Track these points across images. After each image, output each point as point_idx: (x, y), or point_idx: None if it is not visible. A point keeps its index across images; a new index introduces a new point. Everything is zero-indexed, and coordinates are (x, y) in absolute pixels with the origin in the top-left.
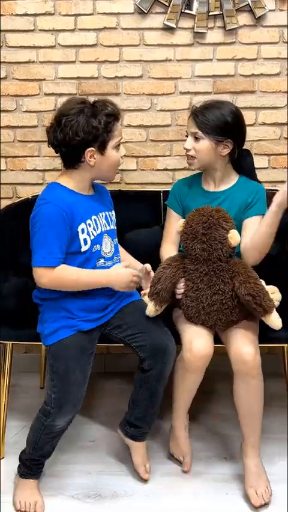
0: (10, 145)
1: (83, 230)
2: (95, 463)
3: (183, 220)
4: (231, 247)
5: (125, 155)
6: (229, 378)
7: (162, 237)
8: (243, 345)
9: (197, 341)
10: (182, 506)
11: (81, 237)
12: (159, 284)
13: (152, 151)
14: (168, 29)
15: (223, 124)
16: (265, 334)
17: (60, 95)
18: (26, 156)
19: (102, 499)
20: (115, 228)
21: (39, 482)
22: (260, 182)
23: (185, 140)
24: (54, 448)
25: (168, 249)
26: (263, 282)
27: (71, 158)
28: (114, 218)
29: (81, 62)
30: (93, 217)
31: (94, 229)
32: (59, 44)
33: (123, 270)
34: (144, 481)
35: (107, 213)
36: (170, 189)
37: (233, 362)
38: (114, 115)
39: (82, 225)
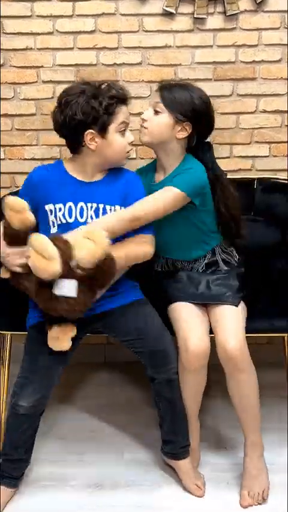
0: (8, 133)
1: (50, 211)
2: (95, 452)
3: None
4: None
5: (133, 143)
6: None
7: None
8: (228, 339)
9: (191, 339)
10: (182, 496)
11: (50, 218)
12: None
13: None
14: (167, 14)
15: (188, 105)
16: (265, 324)
17: (59, 82)
18: (24, 145)
19: (103, 489)
20: None
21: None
22: (225, 174)
23: None
24: (27, 446)
25: None
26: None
27: (72, 142)
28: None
29: (80, 48)
30: (69, 203)
31: (64, 215)
32: (56, 30)
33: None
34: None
35: (101, 205)
36: None
37: (220, 357)
38: (118, 98)
39: (50, 206)
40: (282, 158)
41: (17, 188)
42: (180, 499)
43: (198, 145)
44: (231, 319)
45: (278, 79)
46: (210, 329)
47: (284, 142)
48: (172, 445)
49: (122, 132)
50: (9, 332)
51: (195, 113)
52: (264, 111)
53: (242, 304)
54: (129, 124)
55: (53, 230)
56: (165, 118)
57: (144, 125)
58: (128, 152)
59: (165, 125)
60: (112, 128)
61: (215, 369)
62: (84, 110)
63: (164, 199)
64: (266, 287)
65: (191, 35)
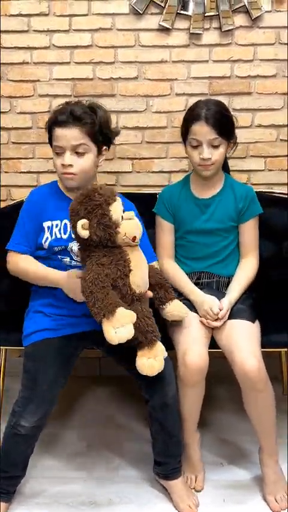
0: (4, 146)
1: (48, 228)
2: (89, 469)
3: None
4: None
5: (67, 165)
6: (229, 382)
7: (158, 250)
8: (247, 359)
9: (190, 353)
10: None
11: (45, 234)
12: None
13: (147, 153)
14: (163, 29)
15: (232, 124)
16: (263, 338)
17: (55, 96)
18: (20, 158)
19: (97, 507)
20: None
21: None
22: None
23: (180, 143)
24: (25, 462)
25: (172, 265)
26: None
27: None
28: None
29: (76, 63)
30: (65, 221)
31: (60, 231)
32: (53, 44)
33: (76, 279)
34: None
35: None
36: None
37: (238, 377)
38: (52, 121)
39: (48, 223)
40: (278, 172)
41: (13, 202)
42: None
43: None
44: (248, 336)
45: (273, 94)
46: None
47: (280, 156)
48: (163, 466)
49: (57, 152)
50: (4, 347)
51: (233, 127)
52: (260, 125)
53: (257, 322)
54: (66, 149)
55: (45, 245)
56: (224, 148)
57: (210, 163)
58: (63, 174)
59: (224, 154)
60: (52, 147)
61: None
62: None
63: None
64: (264, 301)
65: (187, 50)
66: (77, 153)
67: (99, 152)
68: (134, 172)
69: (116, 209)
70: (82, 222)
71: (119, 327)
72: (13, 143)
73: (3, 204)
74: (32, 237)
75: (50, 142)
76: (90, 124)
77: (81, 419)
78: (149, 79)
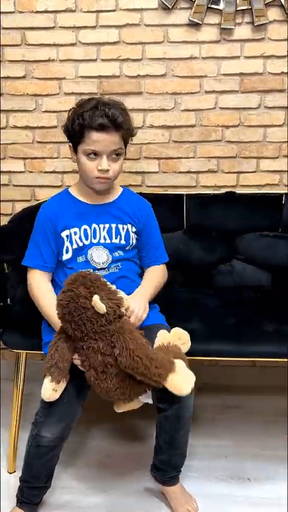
0: (29, 146)
1: (67, 237)
2: (109, 480)
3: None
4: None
5: (104, 170)
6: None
7: None
8: None
9: None
10: None
11: (65, 244)
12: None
13: (174, 153)
14: (193, 25)
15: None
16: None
17: (81, 94)
18: (44, 158)
19: None
20: (124, 243)
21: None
22: None
23: (209, 142)
24: (49, 473)
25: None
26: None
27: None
28: (126, 232)
29: (103, 60)
30: (84, 226)
31: (80, 238)
32: (79, 41)
33: None
34: None
35: (114, 225)
36: (194, 192)
37: None
38: (86, 126)
39: (66, 232)
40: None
41: (37, 202)
42: None
43: None
44: None
45: None
46: None
47: None
48: (162, 472)
49: (89, 156)
50: (24, 351)
51: None
52: None
53: None
54: (103, 153)
55: (67, 256)
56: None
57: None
58: (98, 178)
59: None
60: (80, 148)
61: None
62: (67, 122)
63: None
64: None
65: (218, 45)
66: (112, 157)
67: (125, 153)
68: (161, 172)
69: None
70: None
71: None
72: (38, 142)
73: (28, 205)
74: (47, 252)
75: (76, 141)
76: (126, 129)
77: (100, 427)
78: (178, 76)
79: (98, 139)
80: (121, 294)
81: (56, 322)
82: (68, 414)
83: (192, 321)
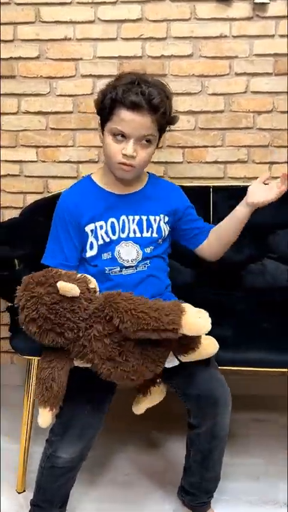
0: (42, 133)
1: (92, 231)
2: (131, 502)
3: None
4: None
5: (128, 155)
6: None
7: None
8: None
9: None
10: None
11: (89, 239)
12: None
13: (200, 141)
14: (223, 0)
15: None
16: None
17: (99, 76)
18: (59, 146)
19: None
20: (156, 236)
21: None
22: None
23: (239, 129)
24: (64, 498)
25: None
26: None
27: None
28: (158, 223)
29: (123, 39)
30: (111, 219)
31: (107, 232)
32: (98, 18)
33: None
34: None
35: (144, 217)
36: (221, 184)
37: None
38: (118, 102)
39: (90, 226)
40: None
41: (50, 194)
42: None
43: None
44: None
45: None
46: None
47: None
48: (192, 497)
49: (115, 136)
50: (36, 357)
51: None
52: None
53: None
54: (131, 136)
55: (92, 252)
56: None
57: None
58: (121, 164)
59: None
60: (108, 127)
61: None
62: (98, 94)
63: None
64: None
65: (250, 23)
66: (141, 143)
67: (159, 141)
68: (185, 162)
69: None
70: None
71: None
72: (51, 129)
73: (39, 197)
74: (69, 249)
75: (104, 118)
76: (163, 114)
77: (117, 440)
78: (206, 57)
79: (127, 119)
80: (77, 274)
81: None
82: (89, 430)
83: (221, 327)
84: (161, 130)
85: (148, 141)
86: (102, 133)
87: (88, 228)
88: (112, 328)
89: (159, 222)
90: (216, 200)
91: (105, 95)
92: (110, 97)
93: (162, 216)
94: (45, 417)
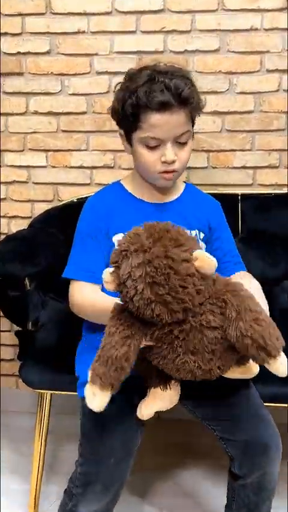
0: (52, 135)
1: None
2: None
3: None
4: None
5: (168, 162)
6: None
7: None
8: None
9: None
10: None
11: None
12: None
13: (227, 144)
14: None
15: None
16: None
17: (116, 74)
18: (71, 150)
19: None
20: None
21: None
22: None
23: (270, 131)
24: None
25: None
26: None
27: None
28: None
29: (143, 32)
30: None
31: None
32: (115, 9)
33: None
34: None
35: None
36: (249, 192)
37: None
38: (142, 106)
39: (119, 236)
40: None
41: (61, 203)
42: None
43: None
44: None
45: None
46: None
47: None
48: None
49: (148, 145)
50: (48, 391)
51: None
52: None
53: None
54: (167, 140)
55: None
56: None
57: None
58: (162, 173)
59: None
60: (136, 136)
61: None
62: (114, 103)
63: None
64: None
65: (283, 14)
66: (179, 143)
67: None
68: (210, 167)
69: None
70: None
71: None
72: (63, 131)
73: (49, 206)
74: (97, 260)
75: (129, 128)
76: (196, 105)
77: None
78: (234, 52)
79: (160, 123)
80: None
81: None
82: (116, 479)
83: None
84: (194, 122)
85: (186, 139)
86: (128, 143)
87: (116, 238)
88: (219, 323)
89: (195, 236)
90: (244, 209)
91: (124, 102)
92: (130, 103)
93: (197, 231)
94: (103, 401)
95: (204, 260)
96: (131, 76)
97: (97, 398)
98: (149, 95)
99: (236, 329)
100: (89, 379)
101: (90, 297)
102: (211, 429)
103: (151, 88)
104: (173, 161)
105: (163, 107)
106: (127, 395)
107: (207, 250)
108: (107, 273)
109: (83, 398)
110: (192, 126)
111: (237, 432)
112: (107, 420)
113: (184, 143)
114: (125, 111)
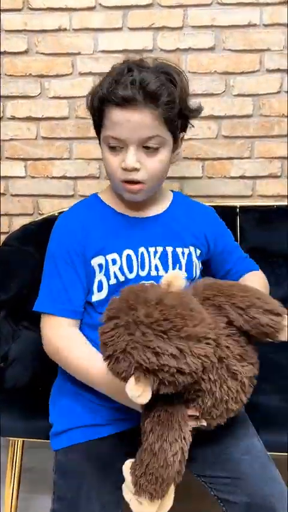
0: (31, 143)
1: (100, 266)
2: None
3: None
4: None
5: (128, 169)
6: None
7: None
8: None
9: None
10: None
11: (97, 277)
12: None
13: (224, 152)
14: None
15: None
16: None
17: (101, 74)
18: (52, 159)
19: None
20: (185, 275)
21: None
22: None
23: (271, 137)
24: None
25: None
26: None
27: None
28: (188, 257)
29: (130, 29)
30: (127, 251)
31: (122, 269)
32: (100, 4)
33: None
34: None
35: (170, 248)
36: (249, 204)
37: None
38: (105, 100)
39: (99, 259)
40: None
41: (41, 216)
42: None
43: None
44: None
45: None
46: None
47: None
48: None
49: (110, 147)
50: (18, 438)
51: None
52: None
53: None
54: (129, 142)
55: (100, 295)
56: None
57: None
58: (124, 182)
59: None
60: (101, 136)
61: None
62: (86, 99)
63: None
64: None
65: (283, 8)
66: (147, 149)
67: (176, 144)
68: (205, 177)
69: None
70: None
71: None
72: (43, 138)
73: (28, 220)
74: (74, 289)
75: (98, 127)
76: (168, 104)
77: None
78: (231, 50)
79: (120, 120)
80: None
81: (108, 382)
82: None
83: (264, 392)
84: (174, 127)
85: (156, 145)
86: (100, 142)
87: (95, 262)
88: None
89: (188, 255)
90: (243, 223)
91: (94, 95)
92: (98, 96)
93: (192, 248)
94: (151, 509)
95: (174, 283)
96: (113, 67)
97: (144, 508)
98: (113, 89)
99: (243, 320)
100: (133, 491)
101: (64, 343)
102: (207, 488)
103: (117, 80)
104: (135, 169)
105: (125, 102)
106: (112, 443)
107: (212, 264)
108: (132, 385)
109: (57, 451)
110: (175, 135)
111: (237, 492)
112: (86, 477)
113: (154, 150)
114: (93, 105)
